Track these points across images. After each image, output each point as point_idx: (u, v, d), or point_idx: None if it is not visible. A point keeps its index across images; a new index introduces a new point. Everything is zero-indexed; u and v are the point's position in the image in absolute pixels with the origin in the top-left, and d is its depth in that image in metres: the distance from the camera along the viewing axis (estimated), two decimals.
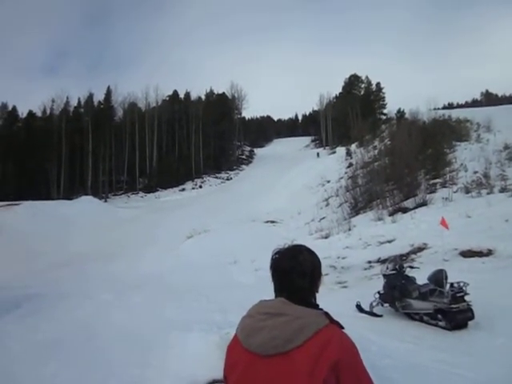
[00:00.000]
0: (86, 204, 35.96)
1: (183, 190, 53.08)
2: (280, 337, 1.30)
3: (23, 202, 37.28)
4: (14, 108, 61.50)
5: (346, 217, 20.06)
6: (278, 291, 1.47)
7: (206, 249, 17.94)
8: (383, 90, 67.69)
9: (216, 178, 56.68)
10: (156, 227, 26.82)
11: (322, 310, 1.43)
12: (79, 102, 62.99)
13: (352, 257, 13.12)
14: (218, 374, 2.94)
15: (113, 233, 27.06)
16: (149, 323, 5.04)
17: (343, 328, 1.41)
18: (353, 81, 69.83)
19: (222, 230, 21.54)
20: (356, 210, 20.89)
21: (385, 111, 64.23)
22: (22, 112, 61.68)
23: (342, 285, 10.66)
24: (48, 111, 61.38)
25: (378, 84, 68.22)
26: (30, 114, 61.50)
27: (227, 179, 55.51)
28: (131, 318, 5.34)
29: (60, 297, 6.68)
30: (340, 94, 71.53)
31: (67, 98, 61.15)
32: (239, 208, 29.80)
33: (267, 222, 23.95)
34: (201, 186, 53.66)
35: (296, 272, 1.43)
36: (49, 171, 53.31)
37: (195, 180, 55.89)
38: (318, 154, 48.10)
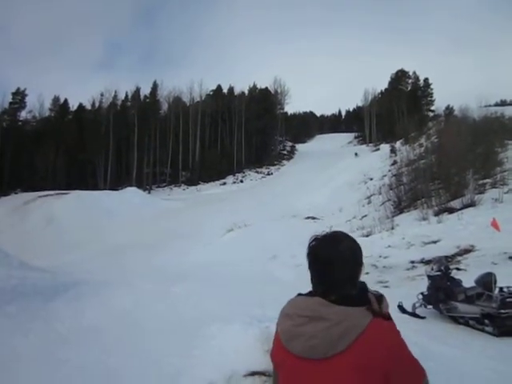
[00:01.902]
0: (131, 195, 36.98)
1: (224, 183, 53.64)
2: (320, 345, 1.25)
3: (72, 191, 38.90)
4: (66, 101, 64.18)
5: (388, 215, 19.61)
6: (317, 283, 1.37)
7: (245, 243, 18.03)
8: (431, 86, 65.83)
9: (257, 172, 56.85)
10: (197, 220, 27.25)
11: (368, 295, 1.35)
12: (126, 95, 65.00)
13: (394, 256, 12.80)
14: (258, 366, 2.96)
15: (155, 224, 27.73)
16: (189, 314, 5.10)
17: (389, 319, 1.34)
18: (400, 76, 68.07)
19: (261, 225, 21.58)
20: (399, 208, 20.40)
21: (432, 108, 62.39)
22: (73, 105, 64.41)
23: (384, 284, 10.42)
24: (97, 104, 63.60)
25: (426, 80, 66.31)
26: (81, 106, 63.95)
27: (268, 174, 55.55)
28: (172, 308, 5.41)
29: (104, 284, 6.87)
30: (386, 89, 70.02)
31: (115, 91, 63.34)
32: (279, 203, 29.77)
33: (307, 218, 23.81)
34: (242, 181, 54.00)
35: (336, 260, 1.32)
36: (96, 162, 55.29)
37: (236, 174, 56.33)
38: (356, 153, 45.33)
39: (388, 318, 1.34)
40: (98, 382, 3.25)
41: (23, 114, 61.02)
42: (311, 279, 1.40)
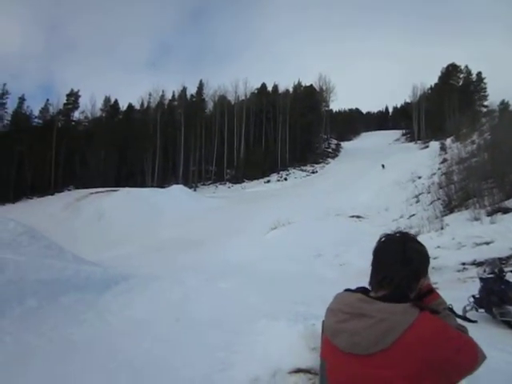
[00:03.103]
0: (177, 192, 37.81)
1: (268, 181, 53.74)
2: (363, 342, 1.25)
3: (121, 188, 40.30)
4: (116, 101, 66.68)
5: (437, 215, 18.94)
6: (376, 282, 1.37)
7: (289, 241, 18.01)
8: (484, 81, 62.77)
9: (301, 170, 56.55)
10: (242, 217, 27.49)
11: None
12: (173, 95, 66.61)
13: (444, 257, 12.37)
14: (303, 362, 2.97)
15: (201, 221, 28.21)
16: (235, 310, 5.16)
17: (438, 312, 1.33)
18: (451, 71, 65.45)
19: (306, 223, 21.48)
20: (449, 208, 19.64)
21: (486, 103, 59.39)
22: (123, 105, 66.90)
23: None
24: (145, 104, 65.57)
25: (478, 74, 63.35)
26: (130, 106, 66.20)
27: (312, 172, 55.12)
28: (218, 304, 5.49)
29: (152, 279, 7.07)
30: (436, 84, 67.70)
31: (163, 91, 65.17)
32: (324, 201, 29.48)
33: (352, 216, 23.43)
34: (286, 179, 53.90)
35: (400, 258, 1.33)
36: (145, 160, 56.97)
37: (280, 172, 56.30)
38: (383, 165, 38.83)
39: (437, 312, 1.33)
40: (148, 371, 3.36)
41: (76, 115, 64.18)
42: (371, 277, 1.41)
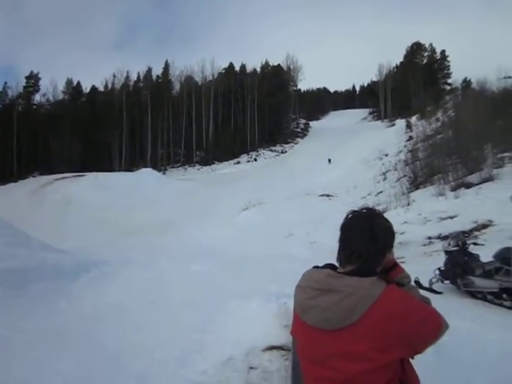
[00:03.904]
0: (146, 176, 37.25)
1: (238, 163, 53.67)
2: (333, 317, 1.27)
3: (88, 173, 39.35)
4: (79, 83, 64.50)
5: (404, 191, 19.43)
6: (344, 257, 1.39)
7: (260, 221, 18.12)
8: (448, 59, 64.11)
9: (271, 151, 56.68)
10: (212, 199, 27.40)
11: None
12: (138, 76, 65.03)
13: (411, 232, 12.73)
14: (276, 340, 3.01)
15: (172, 204, 27.96)
16: (207, 291, 5.17)
17: (403, 285, 1.38)
18: (415, 49, 66.49)
19: (276, 203, 21.62)
20: (415, 184, 20.17)
21: (449, 81, 60.82)
22: (86, 87, 64.68)
23: (400, 260, 10.36)
24: (110, 86, 63.76)
25: (442, 52, 64.71)
26: (93, 88, 64.18)
27: (282, 152, 55.34)
28: (191, 286, 5.49)
29: (124, 263, 6.98)
30: (401, 63, 68.62)
31: (127, 72, 63.51)
32: (294, 181, 29.70)
33: (322, 195, 23.75)
34: (256, 159, 53.95)
35: (368, 234, 1.35)
36: (111, 144, 55.71)
37: (250, 153, 56.28)
38: (329, 160, 36.78)
39: (402, 284, 1.38)
40: (125, 357, 3.34)
41: (37, 98, 61.81)
42: (338, 253, 1.43)
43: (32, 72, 60.46)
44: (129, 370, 3.03)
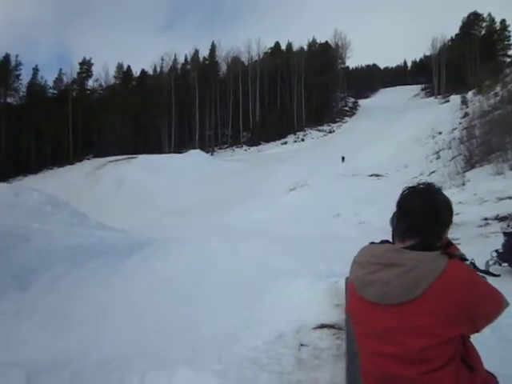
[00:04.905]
0: (195, 157, 37.97)
1: (285, 143, 53.31)
2: (394, 291, 1.25)
3: (139, 155, 40.61)
4: (129, 68, 66.19)
5: (459, 171, 18.59)
6: (403, 232, 1.35)
7: (308, 201, 18.01)
8: (509, 29, 59.50)
9: (318, 130, 55.77)
10: (259, 180, 27.53)
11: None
12: (186, 59, 65.68)
13: (466, 213, 12.20)
14: (327, 319, 3.01)
15: (219, 185, 28.38)
16: (256, 270, 5.22)
17: (466, 260, 1.36)
18: (472, 20, 62.30)
19: (324, 183, 21.38)
20: (471, 163, 19.23)
21: (510, 53, 56.87)
22: (136, 71, 66.27)
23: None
24: (158, 69, 64.93)
25: (502, 21, 60.03)
26: (143, 72, 65.64)
27: (329, 132, 54.34)
28: (241, 265, 5.57)
29: (174, 242, 7.19)
30: (456, 35, 64.58)
31: (175, 55, 64.34)
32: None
33: (371, 175, 23.19)
34: (303, 139, 53.34)
35: (429, 208, 1.32)
36: (160, 126, 56.97)
37: (297, 133, 55.70)
38: (343, 158, 32.53)
39: (465, 259, 1.35)
40: (174, 331, 3.47)
41: (90, 83, 64.06)
42: (395, 230, 1.40)
43: (85, 58, 62.78)
44: (181, 343, 3.14)
